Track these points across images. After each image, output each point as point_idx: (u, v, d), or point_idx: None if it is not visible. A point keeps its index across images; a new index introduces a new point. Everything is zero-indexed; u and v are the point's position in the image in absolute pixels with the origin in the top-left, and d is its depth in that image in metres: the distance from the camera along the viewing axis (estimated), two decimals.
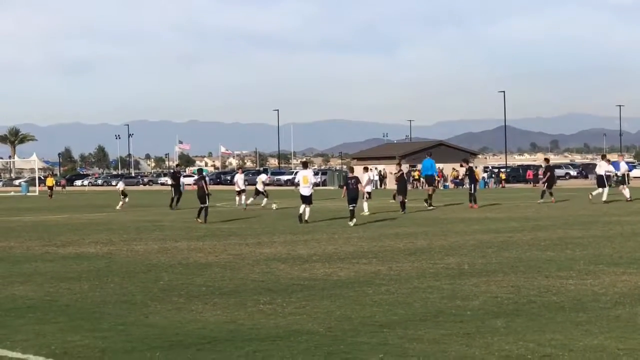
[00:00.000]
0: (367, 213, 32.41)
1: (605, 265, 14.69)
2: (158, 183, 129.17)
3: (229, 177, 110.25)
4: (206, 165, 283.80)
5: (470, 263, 15.62)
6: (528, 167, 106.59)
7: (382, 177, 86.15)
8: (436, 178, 45.11)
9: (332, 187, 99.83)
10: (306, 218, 28.67)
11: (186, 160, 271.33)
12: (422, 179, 61.41)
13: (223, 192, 61.14)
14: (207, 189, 30.28)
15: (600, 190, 38.40)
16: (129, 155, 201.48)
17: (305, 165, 33.30)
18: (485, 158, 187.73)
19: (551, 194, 40.49)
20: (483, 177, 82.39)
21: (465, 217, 29.97)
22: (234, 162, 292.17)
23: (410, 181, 64.75)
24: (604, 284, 12.36)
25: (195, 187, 31.42)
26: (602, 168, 39.51)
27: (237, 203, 41.86)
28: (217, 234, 24.38)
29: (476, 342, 8.64)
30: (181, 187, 42.15)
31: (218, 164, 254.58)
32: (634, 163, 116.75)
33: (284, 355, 8.34)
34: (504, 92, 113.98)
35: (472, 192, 36.90)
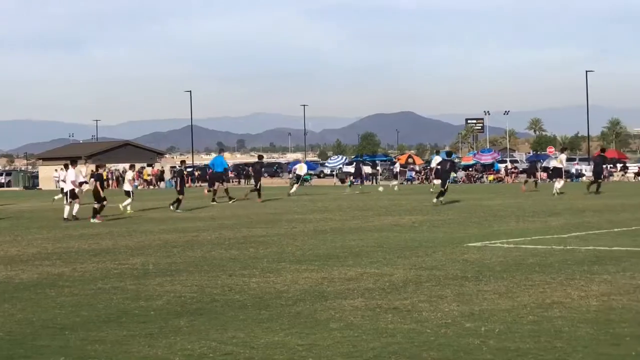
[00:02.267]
0: (129, 210, 32.98)
1: (288, 262, 15.24)
2: None
3: None
4: None
5: (155, 263, 15.63)
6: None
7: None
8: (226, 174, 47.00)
9: (17, 188, 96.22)
10: (73, 213, 29.43)
11: None
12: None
13: None
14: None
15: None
16: None
17: (66, 166, 32.47)
18: (173, 157, 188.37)
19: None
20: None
21: (152, 217, 29.90)
22: None
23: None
24: (287, 281, 12.82)
25: None
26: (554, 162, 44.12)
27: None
28: None
29: (159, 342, 8.66)
30: None
31: None
32: (321, 162, 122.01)
33: None
34: (190, 91, 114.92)
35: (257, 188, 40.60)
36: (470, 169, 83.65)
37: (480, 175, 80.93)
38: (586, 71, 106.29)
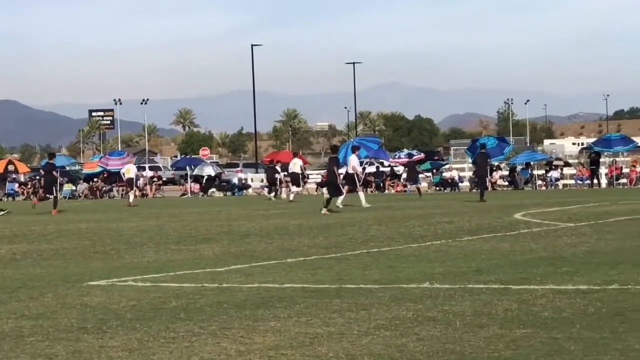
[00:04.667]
0: None
1: None
2: None
3: None
4: None
5: None
6: None
7: None
8: None
9: None
10: None
11: None
12: None
13: None
14: None
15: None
16: None
17: None
18: None
19: None
20: None
21: None
22: None
23: None
24: None
25: None
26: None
27: None
28: None
29: None
30: None
31: None
32: None
33: None
34: None
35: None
36: (96, 179, 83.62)
37: (109, 187, 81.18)
38: (252, 45, 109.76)
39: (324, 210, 39.69)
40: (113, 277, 18.50)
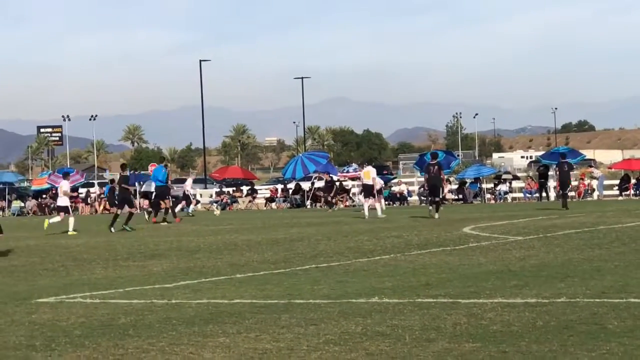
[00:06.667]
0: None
1: None
2: None
3: None
4: None
5: None
6: None
7: None
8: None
9: None
10: None
11: None
12: None
13: None
14: None
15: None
16: None
17: None
18: None
19: None
20: None
21: None
22: None
23: None
24: None
25: None
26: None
27: None
28: None
29: None
30: None
31: None
32: None
33: None
34: None
35: None
36: (45, 196, 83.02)
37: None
38: (200, 61, 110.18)
39: (436, 215, 43.82)
40: (62, 294, 18.40)
